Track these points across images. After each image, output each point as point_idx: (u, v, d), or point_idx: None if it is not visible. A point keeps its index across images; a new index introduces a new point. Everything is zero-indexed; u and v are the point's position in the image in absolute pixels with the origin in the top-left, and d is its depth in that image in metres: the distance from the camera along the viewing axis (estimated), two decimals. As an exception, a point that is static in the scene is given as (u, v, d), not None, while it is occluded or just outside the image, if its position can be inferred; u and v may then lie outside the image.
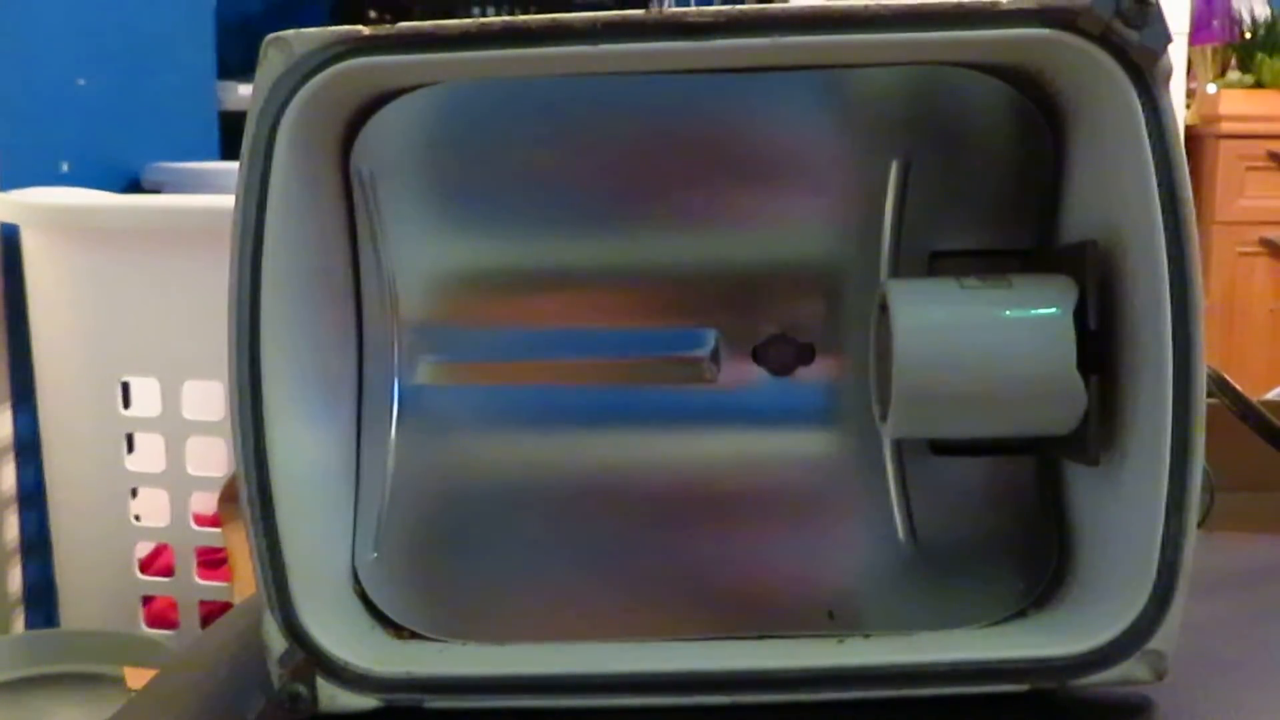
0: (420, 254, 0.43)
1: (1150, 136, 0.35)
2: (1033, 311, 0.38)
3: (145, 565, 1.15)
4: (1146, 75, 0.35)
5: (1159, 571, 0.36)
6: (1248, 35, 2.92)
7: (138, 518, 1.14)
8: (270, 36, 0.36)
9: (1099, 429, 0.38)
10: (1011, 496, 0.43)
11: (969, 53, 0.39)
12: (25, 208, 1.14)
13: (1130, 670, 0.36)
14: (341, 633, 0.38)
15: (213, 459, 1.11)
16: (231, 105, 1.66)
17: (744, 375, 0.44)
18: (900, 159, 0.43)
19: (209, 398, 1.09)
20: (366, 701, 0.37)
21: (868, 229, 0.43)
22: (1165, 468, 0.36)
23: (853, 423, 0.44)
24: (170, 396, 1.09)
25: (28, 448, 1.20)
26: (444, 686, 0.37)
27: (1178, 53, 2.49)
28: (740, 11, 0.35)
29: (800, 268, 0.44)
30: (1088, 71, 0.36)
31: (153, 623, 1.15)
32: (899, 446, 0.44)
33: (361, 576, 0.41)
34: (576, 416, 0.45)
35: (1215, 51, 2.89)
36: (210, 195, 1.20)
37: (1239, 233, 2.79)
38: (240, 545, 1.02)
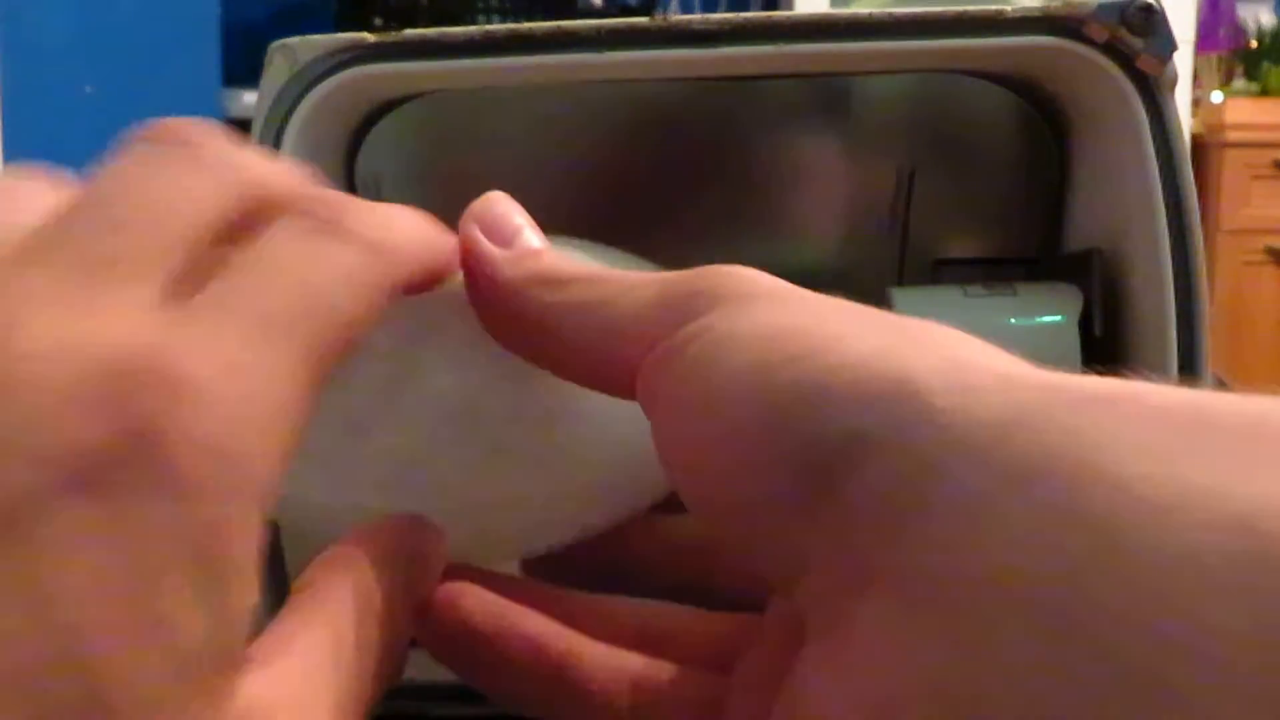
0: (425, 261, 0.43)
1: (1155, 144, 0.35)
2: (1037, 319, 0.38)
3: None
4: (1152, 83, 0.35)
5: (1164, 580, 0.36)
6: (1253, 44, 2.92)
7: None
8: (276, 44, 0.36)
9: (1104, 437, 0.38)
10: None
11: (974, 61, 0.39)
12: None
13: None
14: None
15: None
16: (236, 113, 1.66)
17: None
18: (905, 166, 0.43)
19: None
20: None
21: (872, 236, 0.43)
22: (1170, 476, 0.35)
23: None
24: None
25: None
26: (447, 693, 0.37)
27: (1183, 61, 2.49)
28: (746, 19, 0.35)
29: (804, 275, 0.44)
30: (1093, 79, 0.36)
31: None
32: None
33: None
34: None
35: (1221, 60, 2.89)
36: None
37: (1245, 241, 2.78)
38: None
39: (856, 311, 0.24)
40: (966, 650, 0.17)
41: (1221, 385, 0.51)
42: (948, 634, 0.17)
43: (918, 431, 0.19)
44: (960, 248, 0.43)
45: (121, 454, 0.16)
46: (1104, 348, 0.38)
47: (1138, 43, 0.35)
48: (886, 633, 0.19)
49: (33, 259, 0.18)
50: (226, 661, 0.18)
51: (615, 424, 0.27)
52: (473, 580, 0.27)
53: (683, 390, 0.23)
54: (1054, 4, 0.36)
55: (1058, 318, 0.38)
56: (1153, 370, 0.36)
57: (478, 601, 0.26)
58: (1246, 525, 0.15)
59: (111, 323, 0.17)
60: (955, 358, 0.21)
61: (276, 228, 0.22)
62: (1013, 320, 0.38)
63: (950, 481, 0.18)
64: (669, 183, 0.44)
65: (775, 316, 0.23)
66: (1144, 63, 0.35)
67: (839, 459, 0.20)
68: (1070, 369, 0.38)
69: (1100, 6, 0.35)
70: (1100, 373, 0.27)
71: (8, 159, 1.20)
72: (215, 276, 0.20)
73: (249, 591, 0.18)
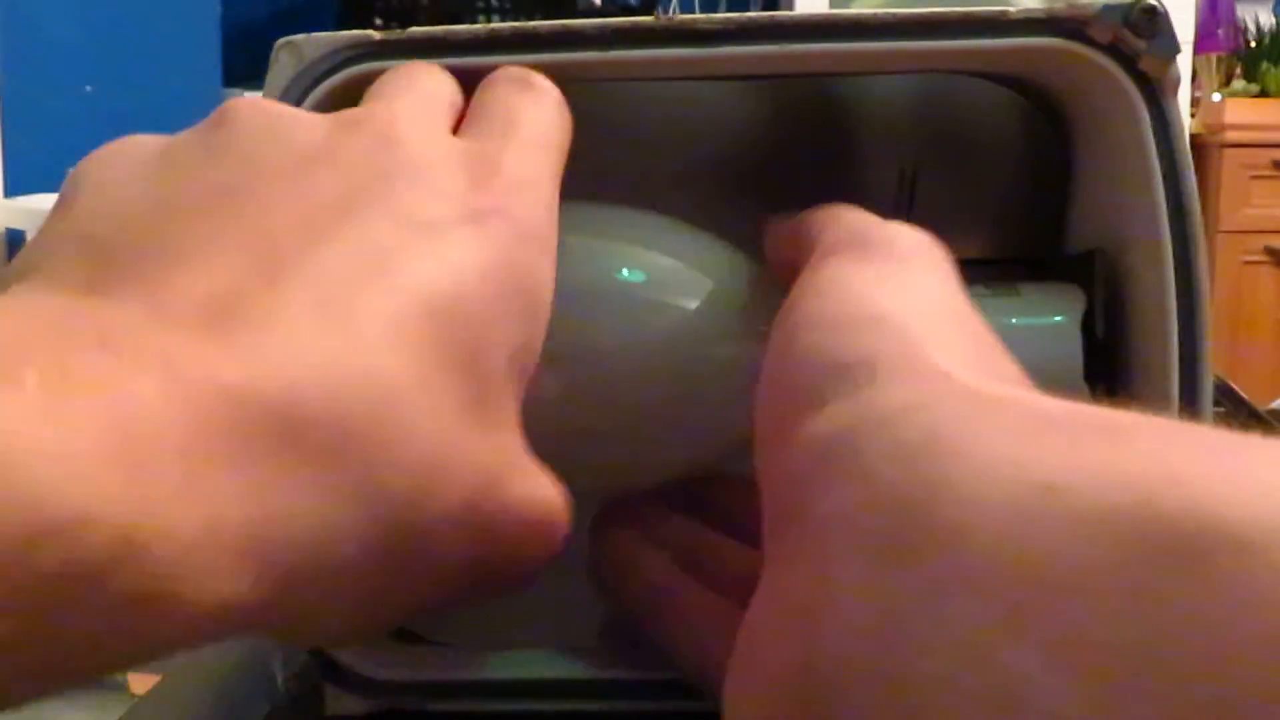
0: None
1: (1158, 146, 0.35)
2: (1040, 320, 0.38)
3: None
4: (1155, 85, 0.35)
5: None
6: (1252, 44, 2.93)
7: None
8: (281, 41, 0.36)
9: (1106, 437, 0.38)
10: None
11: (977, 61, 0.39)
12: (31, 214, 1.14)
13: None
14: (347, 638, 0.38)
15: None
16: (237, 111, 1.66)
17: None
18: (906, 167, 0.43)
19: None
20: (370, 705, 0.37)
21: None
22: (1172, 477, 0.35)
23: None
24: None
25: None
26: (448, 690, 0.37)
27: (1182, 62, 2.49)
28: (750, 19, 0.35)
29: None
30: (1096, 81, 0.36)
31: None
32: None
33: (368, 581, 0.41)
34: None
35: (1220, 60, 2.90)
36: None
37: (1244, 241, 2.79)
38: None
39: (929, 300, 0.28)
40: (818, 579, 0.21)
41: (1223, 386, 0.51)
42: (809, 565, 0.21)
43: (852, 400, 0.23)
44: (962, 248, 0.43)
45: (488, 208, 0.27)
46: (1106, 349, 0.38)
47: (1141, 44, 0.35)
48: (780, 568, 0.23)
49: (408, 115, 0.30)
50: (532, 356, 0.28)
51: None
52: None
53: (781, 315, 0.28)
54: (1057, 5, 0.36)
55: (1060, 318, 0.38)
56: (1154, 371, 0.36)
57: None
58: (1047, 484, 0.18)
59: (447, 137, 0.30)
60: (919, 350, 0.25)
61: (491, 84, 0.32)
62: (1015, 321, 0.38)
63: (853, 442, 0.22)
64: (668, 183, 0.44)
65: (869, 278, 0.28)
66: (1147, 64, 0.35)
67: (803, 413, 0.24)
68: (1073, 369, 0.38)
69: (1104, 8, 0.35)
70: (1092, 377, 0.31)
71: (8, 159, 1.20)
72: (472, 122, 0.31)
73: (543, 319, 0.28)
